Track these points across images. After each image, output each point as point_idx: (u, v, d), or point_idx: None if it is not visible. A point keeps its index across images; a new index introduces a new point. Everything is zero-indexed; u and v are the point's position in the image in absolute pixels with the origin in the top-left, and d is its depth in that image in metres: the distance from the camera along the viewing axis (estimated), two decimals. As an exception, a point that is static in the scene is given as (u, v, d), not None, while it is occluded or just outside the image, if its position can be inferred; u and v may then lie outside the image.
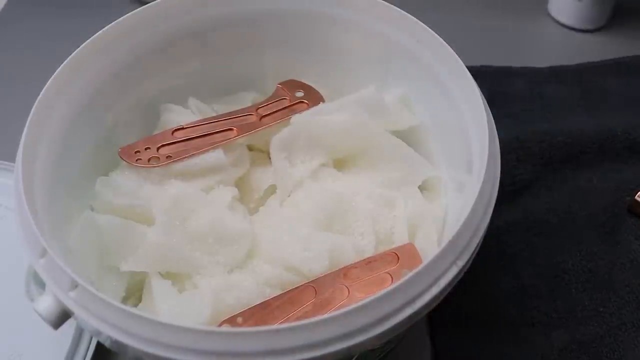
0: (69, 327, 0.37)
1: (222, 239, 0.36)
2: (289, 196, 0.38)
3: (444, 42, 0.37)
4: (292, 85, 0.43)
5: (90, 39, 0.37)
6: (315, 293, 0.33)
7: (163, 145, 0.39)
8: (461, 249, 0.29)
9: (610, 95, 0.56)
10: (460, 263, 0.29)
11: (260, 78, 0.45)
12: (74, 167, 0.36)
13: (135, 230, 0.35)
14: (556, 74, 0.57)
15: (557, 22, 0.64)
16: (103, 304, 0.27)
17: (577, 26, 0.63)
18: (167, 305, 0.33)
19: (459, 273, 0.29)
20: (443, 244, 0.29)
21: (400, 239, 0.37)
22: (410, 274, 0.27)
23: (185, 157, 0.38)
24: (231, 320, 0.32)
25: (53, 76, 0.35)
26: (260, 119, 0.41)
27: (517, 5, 0.65)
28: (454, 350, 0.41)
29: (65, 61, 0.36)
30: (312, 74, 0.44)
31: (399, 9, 0.39)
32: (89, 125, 0.38)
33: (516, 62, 0.58)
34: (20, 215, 0.30)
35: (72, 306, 0.27)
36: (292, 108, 0.41)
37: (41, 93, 0.34)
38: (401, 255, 0.35)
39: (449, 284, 0.28)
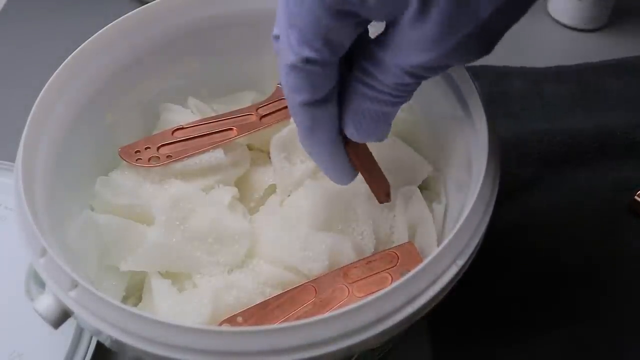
0: (69, 327, 0.37)
1: (222, 238, 0.36)
2: (288, 196, 0.39)
3: (444, 42, 0.37)
4: (292, 85, 0.43)
5: (90, 38, 0.37)
6: (315, 292, 0.33)
7: (163, 145, 0.39)
8: (461, 248, 0.29)
9: (610, 95, 0.56)
10: (460, 262, 0.29)
11: (260, 78, 0.45)
12: (74, 166, 0.36)
13: (135, 230, 0.36)
14: (556, 74, 0.57)
15: (557, 22, 0.64)
16: (103, 304, 0.27)
17: (577, 26, 0.63)
18: (167, 305, 0.33)
19: (458, 273, 0.29)
20: (443, 244, 0.29)
21: (400, 238, 0.37)
22: (410, 273, 0.27)
23: (185, 157, 0.38)
24: (231, 320, 0.32)
25: (53, 76, 0.35)
26: (260, 118, 0.41)
27: (517, 5, 0.65)
28: (454, 350, 0.41)
29: (65, 61, 0.36)
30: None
31: (398, 9, 0.39)
32: (89, 125, 0.38)
33: (516, 62, 0.58)
34: (20, 214, 0.30)
35: (72, 306, 0.27)
36: (292, 108, 0.41)
37: (41, 93, 0.34)
38: (401, 255, 0.35)
39: (448, 284, 0.28)
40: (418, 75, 0.27)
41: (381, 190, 0.36)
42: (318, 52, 0.26)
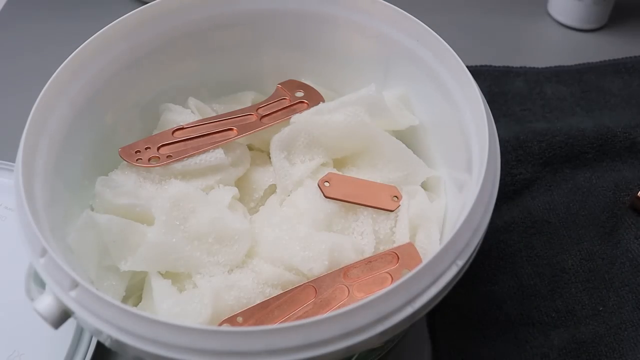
0: (69, 327, 0.37)
1: (222, 238, 0.36)
2: (288, 196, 0.39)
3: (444, 42, 0.37)
4: (292, 85, 0.43)
5: (90, 38, 0.37)
6: (316, 293, 0.33)
7: (163, 145, 0.39)
8: (461, 248, 0.29)
9: (610, 95, 0.56)
10: (460, 263, 0.29)
11: (260, 78, 0.45)
12: (74, 166, 0.37)
13: (135, 230, 0.35)
14: (556, 74, 0.58)
15: (557, 22, 0.64)
16: (103, 304, 0.27)
17: (577, 26, 0.63)
18: (167, 305, 0.33)
19: (458, 272, 0.29)
20: (443, 244, 0.29)
21: (400, 238, 0.37)
22: (410, 273, 0.27)
23: (185, 157, 0.38)
24: (231, 320, 0.32)
25: (53, 76, 0.35)
26: (260, 119, 0.41)
27: (517, 5, 0.65)
28: (454, 350, 0.41)
29: (65, 61, 0.36)
30: (312, 74, 0.44)
31: (399, 9, 0.39)
32: (89, 125, 0.38)
33: (516, 62, 0.58)
34: (20, 215, 0.30)
35: (72, 306, 0.27)
36: (292, 108, 0.41)
37: (41, 93, 0.34)
38: (401, 255, 0.35)
39: (448, 284, 0.28)
40: None
41: (386, 202, 0.37)
42: None
